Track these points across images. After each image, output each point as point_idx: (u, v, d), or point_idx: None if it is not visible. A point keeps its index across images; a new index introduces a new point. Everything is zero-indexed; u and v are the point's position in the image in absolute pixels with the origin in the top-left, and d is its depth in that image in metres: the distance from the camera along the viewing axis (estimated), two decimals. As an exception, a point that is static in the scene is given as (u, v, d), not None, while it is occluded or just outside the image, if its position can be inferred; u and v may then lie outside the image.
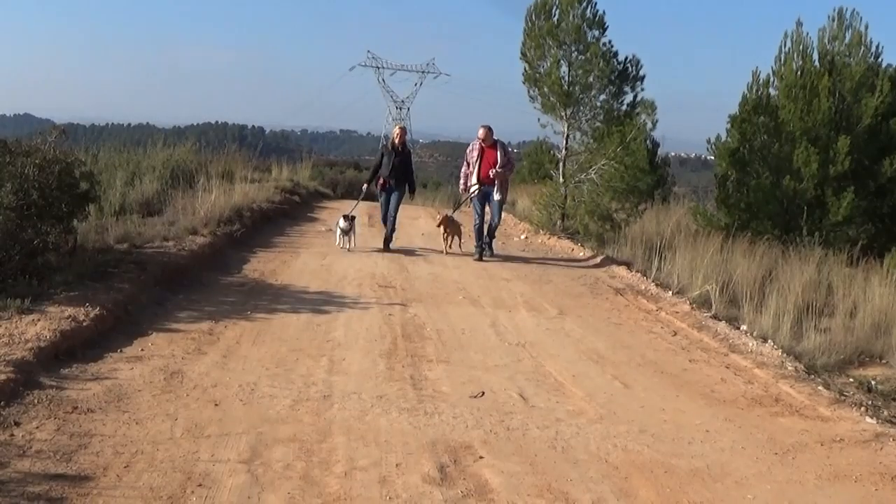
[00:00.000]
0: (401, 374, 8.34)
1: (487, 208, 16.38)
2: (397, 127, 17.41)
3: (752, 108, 17.23)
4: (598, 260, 16.40)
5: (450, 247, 16.71)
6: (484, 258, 16.03)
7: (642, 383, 8.59)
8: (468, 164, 16.42)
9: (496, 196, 16.11)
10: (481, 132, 16.01)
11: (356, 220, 16.40)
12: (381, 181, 16.51)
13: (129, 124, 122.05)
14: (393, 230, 16.54)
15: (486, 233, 16.34)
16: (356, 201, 18.16)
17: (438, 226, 16.55)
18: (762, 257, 13.75)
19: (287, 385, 7.73)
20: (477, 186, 16.18)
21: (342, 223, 15.91)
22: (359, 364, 8.55)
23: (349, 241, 15.91)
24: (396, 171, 16.33)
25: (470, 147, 16.54)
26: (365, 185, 17.34)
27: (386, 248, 16.26)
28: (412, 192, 17.26)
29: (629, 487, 6.01)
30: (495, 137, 16.23)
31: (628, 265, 15.36)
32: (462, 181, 16.82)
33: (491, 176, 15.98)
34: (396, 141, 16.53)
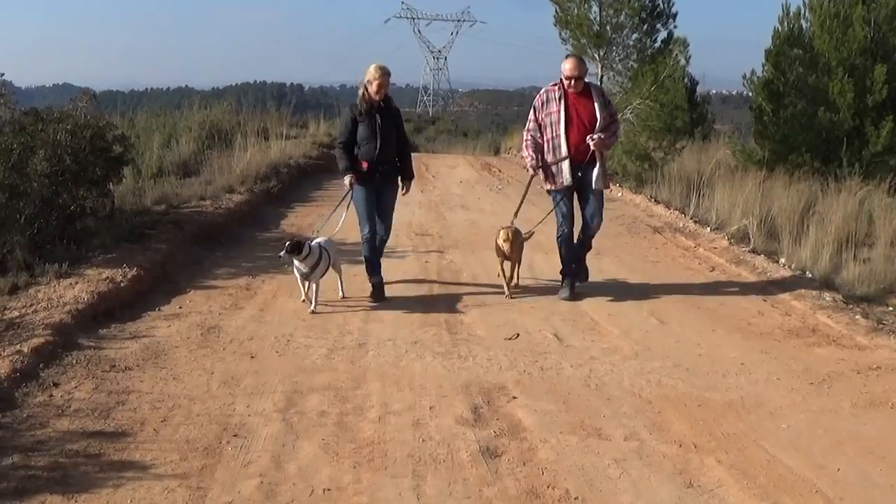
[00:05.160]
0: (436, 320, 8.39)
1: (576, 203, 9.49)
2: (374, 69, 9.00)
3: (784, 41, 16.95)
4: (637, 199, 16.30)
5: (515, 282, 9.71)
6: (563, 294, 9.39)
7: (678, 319, 8.56)
8: (536, 128, 9.31)
9: (595, 182, 9.18)
10: (569, 65, 9.07)
11: (327, 247, 8.88)
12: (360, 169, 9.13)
13: (168, 88, 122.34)
14: (377, 260, 9.33)
15: (577, 248, 9.55)
16: (338, 208, 9.52)
17: (504, 243, 9.28)
18: (801, 190, 13.59)
19: (322, 335, 7.81)
20: (568, 173, 9.15)
21: (297, 262, 8.62)
22: (394, 311, 8.61)
23: (312, 297, 8.69)
24: (386, 148, 9.11)
25: (540, 99, 9.33)
26: (348, 178, 9.05)
27: (378, 295, 9.17)
28: (409, 179, 9.53)
29: (662, 421, 6.02)
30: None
31: (667, 203, 15.27)
32: (529, 157, 9.31)
33: (590, 143, 9.03)
34: (375, 95, 9.01)
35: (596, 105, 9.15)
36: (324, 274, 8.70)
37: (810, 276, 9.96)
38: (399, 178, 9.42)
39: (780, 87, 16.94)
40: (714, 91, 66.37)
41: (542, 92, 9.43)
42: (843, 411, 6.29)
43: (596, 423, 5.96)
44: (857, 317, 8.53)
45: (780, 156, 16.24)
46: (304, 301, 8.78)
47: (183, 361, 6.96)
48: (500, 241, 9.28)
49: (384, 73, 9.05)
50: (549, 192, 9.46)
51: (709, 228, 12.87)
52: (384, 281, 9.28)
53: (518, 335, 7.89)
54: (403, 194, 9.54)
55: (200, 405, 6.08)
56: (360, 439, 5.60)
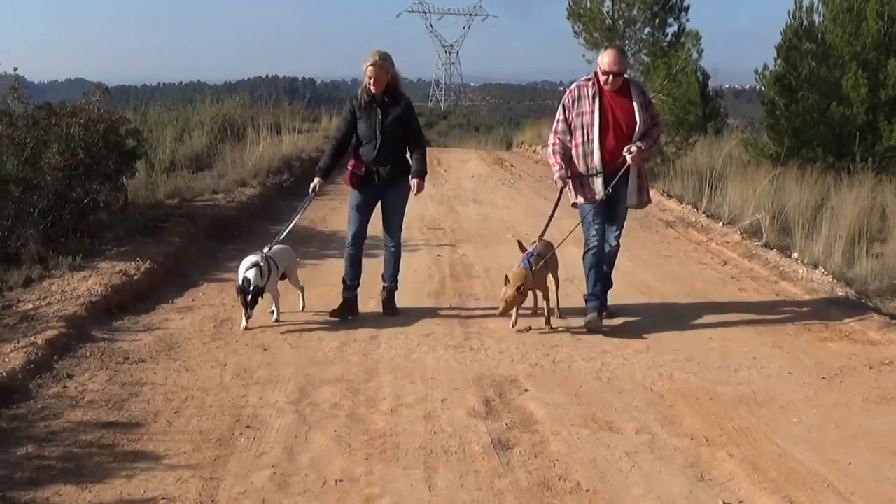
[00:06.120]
0: (447, 313, 8.43)
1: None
2: (373, 57, 7.87)
3: (797, 35, 16.90)
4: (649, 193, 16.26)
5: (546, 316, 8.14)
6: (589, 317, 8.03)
7: (690, 313, 8.55)
8: (566, 130, 8.04)
9: (628, 199, 7.95)
10: (608, 58, 7.77)
11: (275, 257, 7.98)
12: (352, 169, 8.14)
13: (181, 83, 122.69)
14: (397, 273, 8.50)
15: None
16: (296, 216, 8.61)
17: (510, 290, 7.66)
18: (814, 185, 13.57)
19: (335, 328, 7.84)
20: (601, 185, 7.91)
21: (245, 271, 7.61)
22: (407, 304, 8.61)
23: (245, 315, 7.68)
24: (388, 146, 8.07)
25: (570, 96, 8.05)
26: (316, 182, 8.19)
27: (341, 312, 8.18)
28: (420, 176, 8.24)
29: (674, 415, 6.03)
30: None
31: (679, 198, 15.25)
32: (557, 165, 8.03)
33: (627, 157, 7.76)
34: (373, 87, 7.94)
35: (636, 105, 7.88)
36: (276, 283, 7.91)
37: (823, 270, 9.93)
38: (410, 178, 8.21)
39: (792, 81, 16.89)
40: (727, 85, 66.11)
41: (572, 87, 8.12)
42: (855, 406, 6.28)
43: (607, 416, 5.97)
44: (870, 312, 8.53)
45: (793, 150, 16.19)
46: (245, 328, 7.63)
47: (196, 353, 6.99)
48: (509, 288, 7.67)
49: (373, 64, 7.84)
50: (575, 205, 8.19)
51: (721, 223, 12.86)
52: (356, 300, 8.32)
53: (530, 328, 7.90)
54: (415, 194, 8.31)
55: (213, 397, 6.12)
56: (372, 431, 5.62)
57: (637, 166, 7.85)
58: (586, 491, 4.90)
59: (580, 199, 8.05)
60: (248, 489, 4.80)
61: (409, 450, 5.36)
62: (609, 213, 8.05)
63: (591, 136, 7.87)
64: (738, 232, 12.09)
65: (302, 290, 8.48)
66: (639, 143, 7.79)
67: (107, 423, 5.59)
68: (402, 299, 8.64)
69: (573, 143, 8.00)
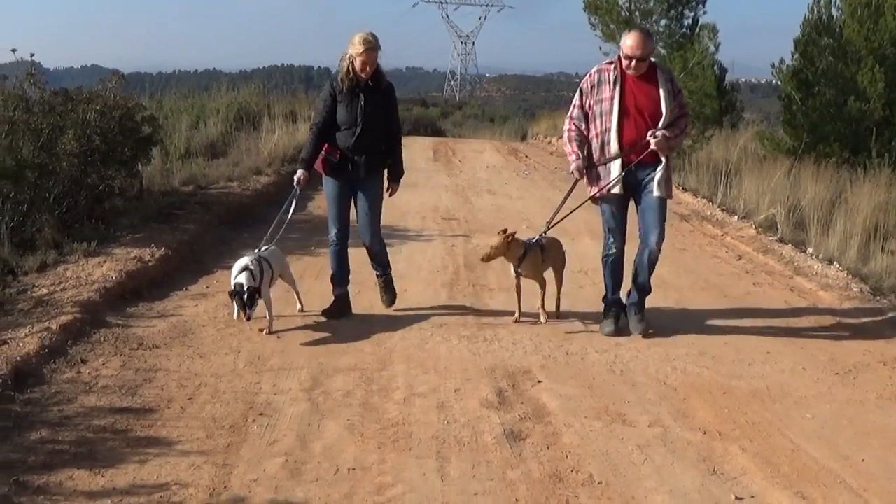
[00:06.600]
0: (462, 303, 8.43)
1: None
2: (359, 42, 7.32)
3: (814, 29, 16.83)
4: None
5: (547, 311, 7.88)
6: (637, 330, 7.60)
7: (704, 307, 8.53)
8: (581, 117, 7.45)
9: (656, 190, 7.28)
10: (632, 41, 7.09)
11: (270, 259, 7.57)
12: (325, 154, 7.68)
13: (196, 70, 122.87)
14: (388, 264, 8.22)
15: (635, 273, 7.67)
16: (284, 216, 7.95)
17: (517, 269, 7.66)
18: (830, 180, 13.51)
19: (348, 316, 7.85)
20: (618, 175, 7.28)
21: (236, 276, 7.19)
22: (420, 294, 8.65)
23: (268, 315, 7.40)
24: (368, 134, 7.59)
25: (589, 81, 7.43)
26: (298, 175, 7.62)
27: (334, 312, 7.86)
28: (397, 178, 8.02)
29: (687, 409, 6.01)
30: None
31: (694, 191, 15.22)
32: (573, 153, 7.47)
33: (649, 144, 7.14)
34: (359, 70, 7.41)
35: (661, 93, 7.17)
36: (271, 285, 7.51)
37: (838, 266, 9.90)
38: (384, 173, 7.90)
39: (809, 75, 16.81)
40: (743, 79, 65.91)
41: (592, 71, 7.43)
42: (869, 402, 6.26)
43: (620, 408, 5.97)
44: (885, 308, 8.50)
45: (809, 145, 16.13)
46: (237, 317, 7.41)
47: (210, 340, 7.01)
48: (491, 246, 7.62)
49: (371, 49, 7.33)
50: (593, 200, 7.56)
51: (736, 217, 12.83)
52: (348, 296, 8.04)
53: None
54: (390, 195, 8.02)
55: (227, 384, 6.13)
56: (384, 420, 5.63)
57: (664, 155, 7.21)
58: (598, 483, 4.89)
59: (595, 193, 7.45)
60: (260, 476, 4.81)
61: (422, 439, 5.36)
62: (639, 207, 7.47)
63: (608, 125, 7.24)
64: (753, 226, 12.06)
65: (298, 293, 8.06)
66: (663, 130, 7.12)
67: (120, 409, 5.60)
68: (415, 289, 8.65)
69: (591, 132, 7.39)
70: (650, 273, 7.60)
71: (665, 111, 7.14)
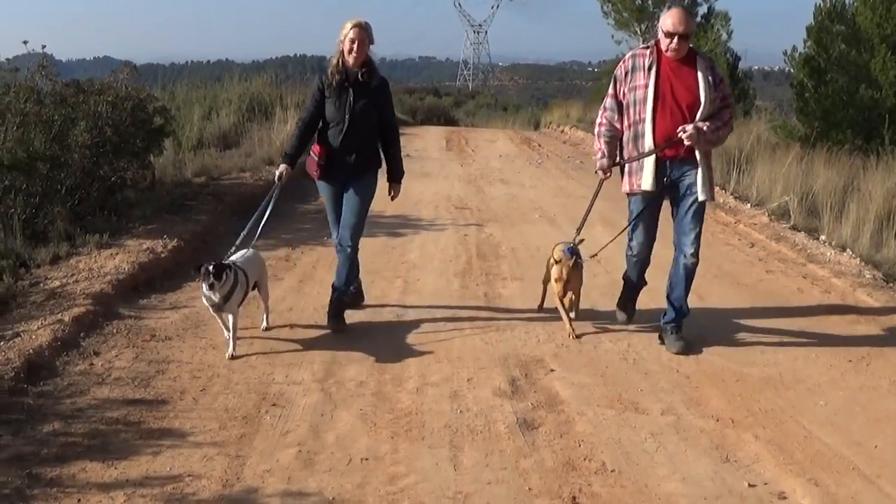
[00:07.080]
0: (474, 293, 8.41)
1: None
2: (349, 23, 6.93)
3: (827, 16, 16.75)
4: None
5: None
6: (675, 348, 6.88)
7: (717, 294, 8.50)
8: (615, 108, 6.85)
9: (701, 193, 6.69)
10: (673, 18, 6.49)
11: (245, 267, 6.85)
12: (317, 158, 7.21)
13: (208, 61, 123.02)
14: (351, 283, 7.59)
15: (670, 286, 7.09)
16: (259, 219, 7.36)
17: (557, 270, 7.20)
18: (843, 167, 13.46)
19: (361, 306, 7.84)
20: (651, 174, 6.67)
21: (205, 289, 6.45)
22: (433, 284, 8.64)
23: (229, 336, 6.60)
24: (357, 131, 7.10)
25: (623, 67, 6.84)
26: (281, 170, 7.12)
27: (336, 321, 7.28)
28: (397, 179, 7.53)
29: (700, 396, 6.00)
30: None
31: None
32: (599, 151, 6.98)
33: (682, 136, 6.48)
34: (349, 56, 6.94)
35: (700, 81, 6.54)
36: (242, 302, 6.72)
37: (850, 253, 9.85)
38: (378, 173, 7.39)
39: (821, 63, 16.77)
40: (756, 67, 65.66)
41: (627, 57, 6.87)
42: (882, 389, 6.23)
43: (633, 397, 5.95)
44: (898, 294, 8.47)
45: (822, 133, 16.07)
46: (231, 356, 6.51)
47: (222, 331, 7.00)
48: (554, 271, 7.24)
49: (357, 26, 6.88)
50: (627, 194, 6.96)
51: (749, 204, 12.78)
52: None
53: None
54: (392, 199, 7.65)
55: (240, 375, 6.14)
56: (397, 410, 5.63)
57: (702, 152, 6.61)
58: (612, 471, 4.89)
59: (627, 188, 6.88)
60: (273, 467, 4.81)
61: (435, 429, 5.36)
62: (676, 210, 6.90)
63: (643, 115, 6.63)
64: (766, 214, 12.01)
65: (268, 308, 7.27)
66: (700, 124, 6.49)
67: (133, 401, 5.62)
68: (428, 279, 8.65)
69: (625, 123, 6.78)
70: (687, 288, 6.98)
71: (704, 100, 6.51)
